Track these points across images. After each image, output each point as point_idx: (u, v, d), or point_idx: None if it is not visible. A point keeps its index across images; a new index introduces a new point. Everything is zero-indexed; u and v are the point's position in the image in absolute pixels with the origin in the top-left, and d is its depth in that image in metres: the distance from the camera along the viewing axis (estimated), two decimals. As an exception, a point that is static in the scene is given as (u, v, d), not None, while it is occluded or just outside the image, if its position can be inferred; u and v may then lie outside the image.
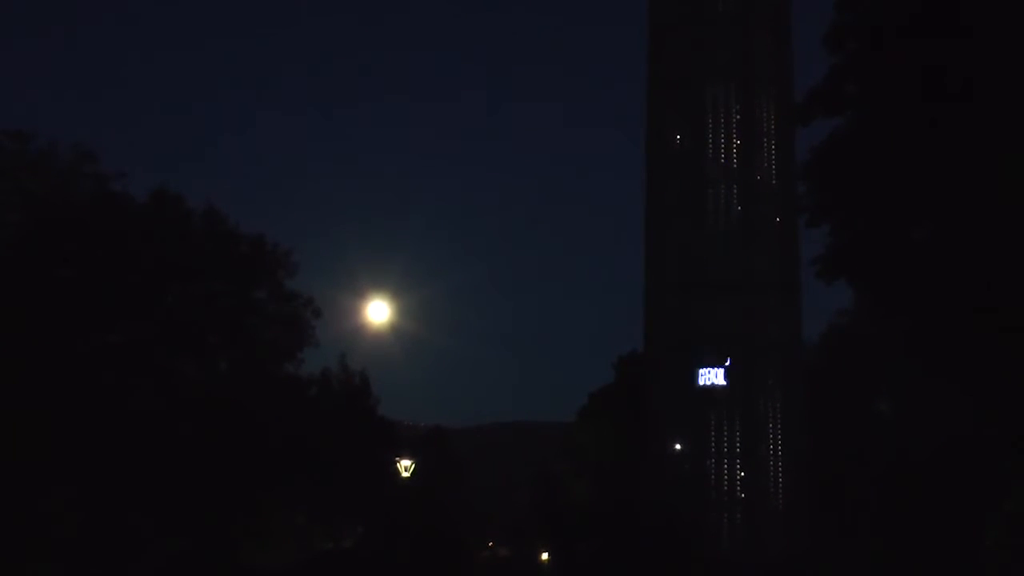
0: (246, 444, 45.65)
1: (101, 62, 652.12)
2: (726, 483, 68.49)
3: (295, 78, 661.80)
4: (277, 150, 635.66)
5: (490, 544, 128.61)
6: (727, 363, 68.21)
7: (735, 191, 70.92)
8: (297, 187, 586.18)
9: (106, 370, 43.17)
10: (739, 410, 68.92)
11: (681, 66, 71.65)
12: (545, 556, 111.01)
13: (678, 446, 70.29)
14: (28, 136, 43.29)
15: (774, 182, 70.62)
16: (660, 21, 73.38)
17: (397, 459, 58.16)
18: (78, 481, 41.03)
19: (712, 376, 68.97)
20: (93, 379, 41.75)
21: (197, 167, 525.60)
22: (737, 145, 70.75)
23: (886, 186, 22.47)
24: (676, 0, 72.66)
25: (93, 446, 40.67)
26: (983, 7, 20.26)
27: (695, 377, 69.18)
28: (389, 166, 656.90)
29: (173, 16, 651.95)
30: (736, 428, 69.05)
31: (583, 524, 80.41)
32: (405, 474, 56.82)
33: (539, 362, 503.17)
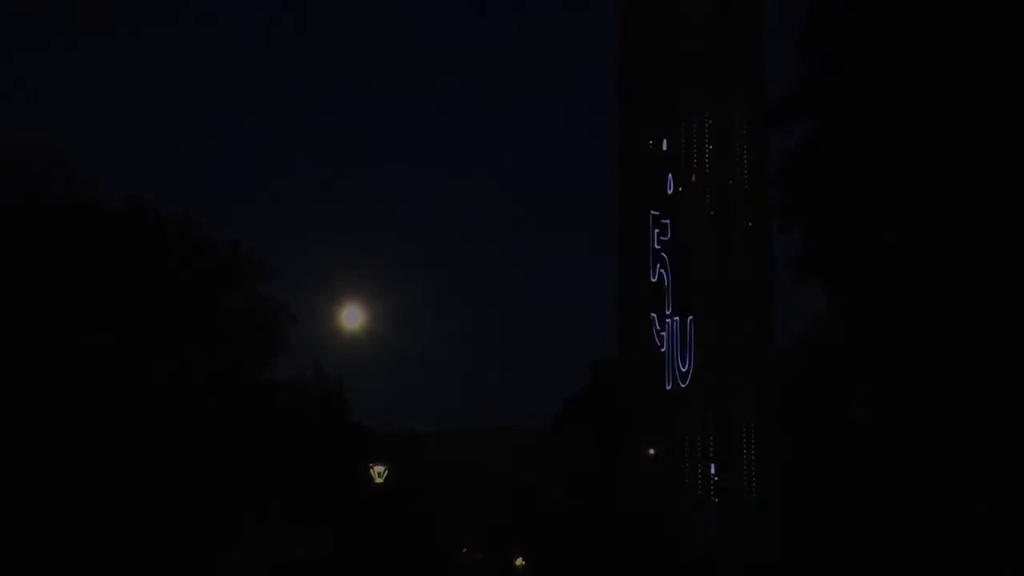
0: (218, 452, 45.39)
1: (73, 67, 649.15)
2: (700, 487, 68.61)
3: (270, 81, 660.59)
4: (251, 154, 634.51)
5: (464, 549, 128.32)
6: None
7: (708, 195, 71.11)
8: (271, 191, 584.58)
9: (75, 377, 42.79)
10: (713, 414, 69.05)
11: (653, 71, 71.82)
12: (520, 561, 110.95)
13: (652, 450, 70.34)
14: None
15: (747, 186, 70.85)
16: (632, 25, 73.54)
17: (371, 465, 57.74)
18: (40, 491, 40.56)
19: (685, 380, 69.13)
20: (62, 386, 41.37)
21: (170, 170, 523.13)
22: (710, 150, 70.94)
23: (857, 190, 22.60)
24: (648, 4, 72.83)
25: (58, 454, 40.27)
26: (956, 16, 20.40)
27: (668, 381, 69.31)
28: (363, 169, 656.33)
29: (146, 17, 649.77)
30: (710, 432, 69.16)
31: (558, 529, 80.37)
32: (379, 480, 56.50)
33: (515, 367, 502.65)
